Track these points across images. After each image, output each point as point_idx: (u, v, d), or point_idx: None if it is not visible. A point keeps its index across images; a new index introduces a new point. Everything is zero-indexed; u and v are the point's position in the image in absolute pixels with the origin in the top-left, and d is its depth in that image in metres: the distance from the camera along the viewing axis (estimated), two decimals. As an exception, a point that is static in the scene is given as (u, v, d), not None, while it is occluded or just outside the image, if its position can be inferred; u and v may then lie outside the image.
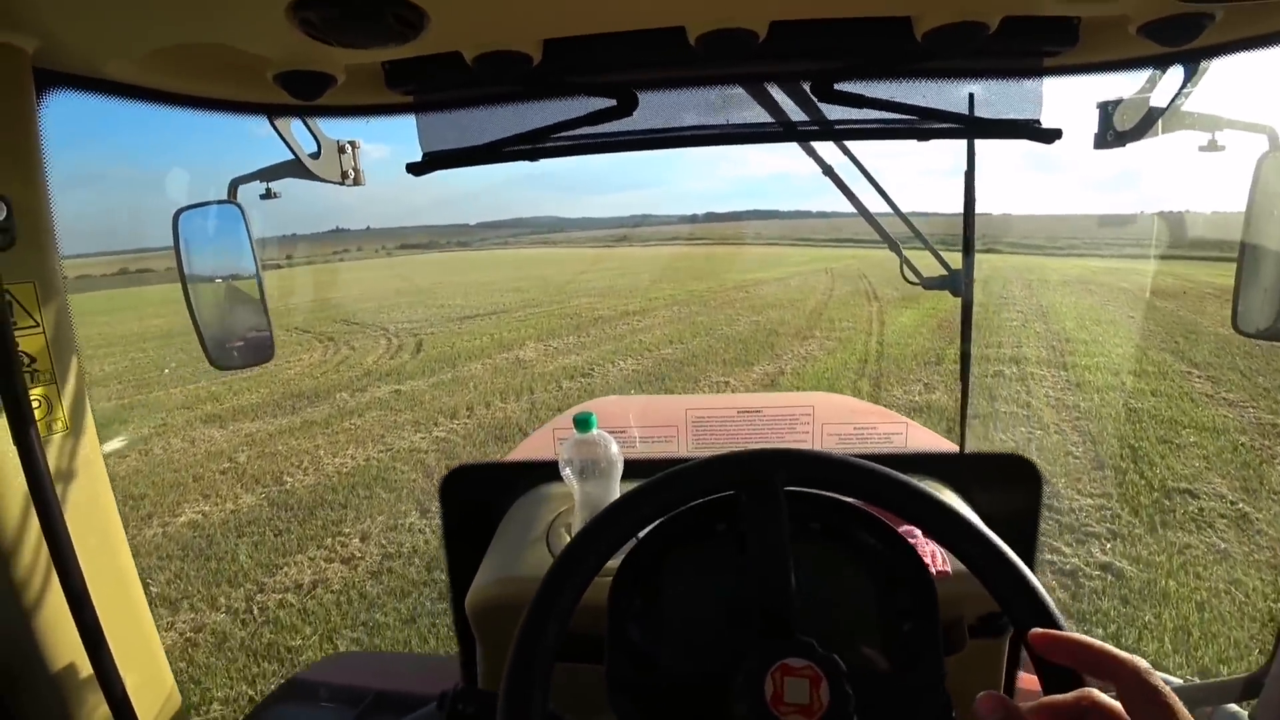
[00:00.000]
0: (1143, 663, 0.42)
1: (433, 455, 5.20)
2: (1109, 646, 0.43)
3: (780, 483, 0.61)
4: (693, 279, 19.37)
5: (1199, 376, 6.85)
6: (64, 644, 0.73)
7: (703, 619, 0.65)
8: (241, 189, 1.03)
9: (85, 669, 0.73)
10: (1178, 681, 1.17)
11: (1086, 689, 0.43)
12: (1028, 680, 1.00)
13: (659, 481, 0.62)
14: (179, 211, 0.96)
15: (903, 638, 0.62)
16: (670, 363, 8.22)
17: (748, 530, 0.60)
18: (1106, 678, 0.42)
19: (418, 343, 10.42)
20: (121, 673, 0.71)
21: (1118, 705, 0.42)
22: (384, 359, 9.30)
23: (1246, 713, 1.03)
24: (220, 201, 1.01)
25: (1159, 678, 0.41)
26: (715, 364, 8.05)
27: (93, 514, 0.78)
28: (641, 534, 0.65)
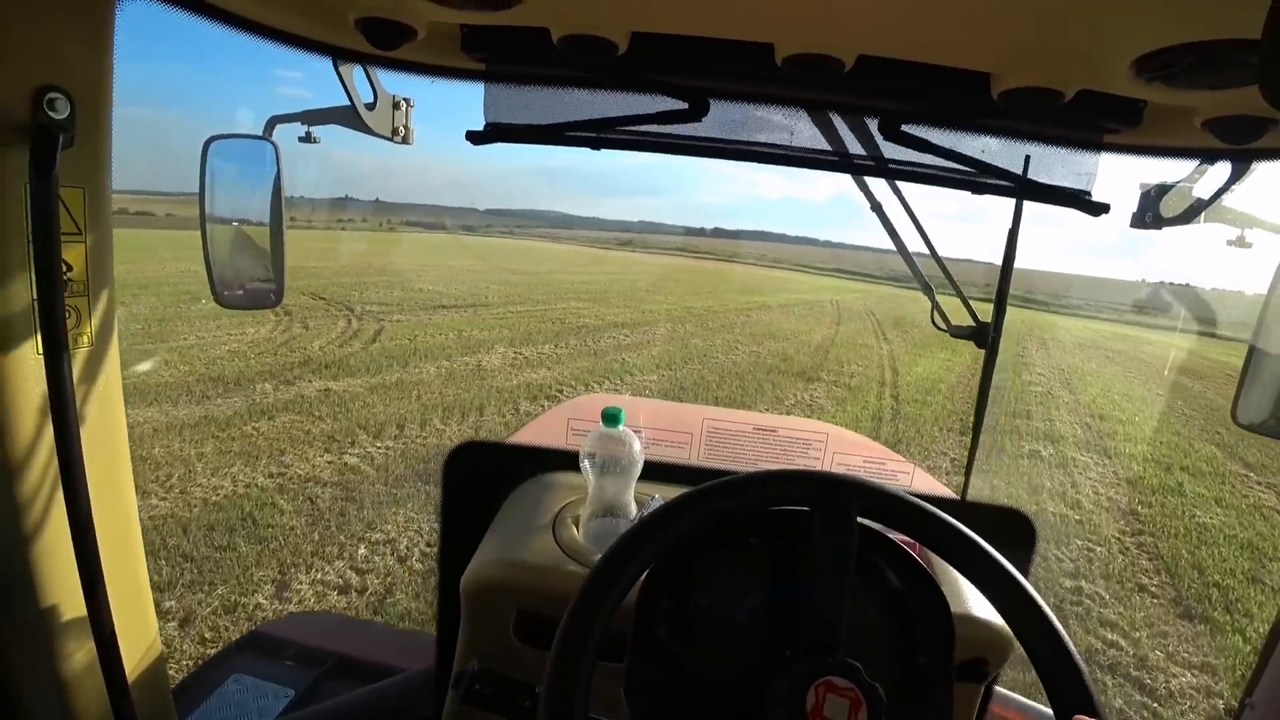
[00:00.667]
0: None
1: (330, 492, 4.00)
2: None
3: (857, 512, 0.62)
4: (692, 294, 18.24)
5: (1258, 482, 5.99)
6: (60, 572, 0.71)
7: (731, 626, 0.66)
8: (279, 129, 1.01)
9: (77, 602, 0.70)
10: None
11: None
12: None
13: (731, 483, 0.62)
14: (210, 140, 0.94)
15: (918, 670, 0.64)
16: (653, 393, 7.09)
17: (818, 550, 0.61)
18: None
19: (377, 330, 9.23)
20: (114, 610, 0.70)
21: None
22: (332, 345, 8.10)
23: None
24: (255, 136, 0.99)
25: None
26: (705, 401, 6.92)
27: (106, 436, 0.76)
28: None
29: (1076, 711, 0.50)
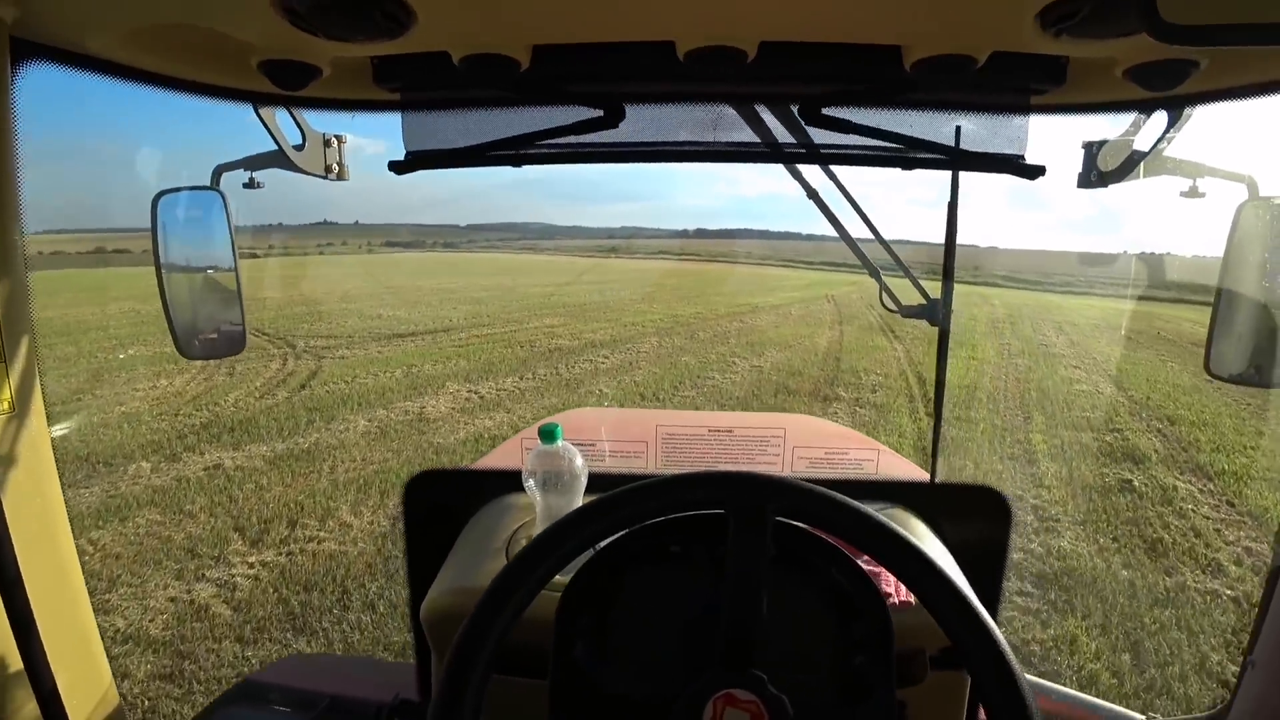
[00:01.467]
0: None
1: (150, 663, 2.59)
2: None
3: (772, 512, 0.59)
4: (680, 300, 16.86)
5: None
6: None
7: (652, 641, 0.64)
8: (225, 177, 1.00)
9: (14, 662, 0.69)
10: (1139, 718, 1.13)
11: None
12: None
13: (641, 490, 0.59)
14: (159, 195, 0.93)
15: (855, 670, 0.62)
16: (640, 434, 5.69)
17: (729, 554, 0.58)
18: None
19: (313, 372, 7.82)
20: (54, 668, 0.69)
21: None
22: (251, 398, 6.68)
23: None
24: (202, 188, 0.99)
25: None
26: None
27: (34, 500, 0.74)
28: (598, 548, 0.63)
29: (1008, 713, 0.49)
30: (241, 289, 1.04)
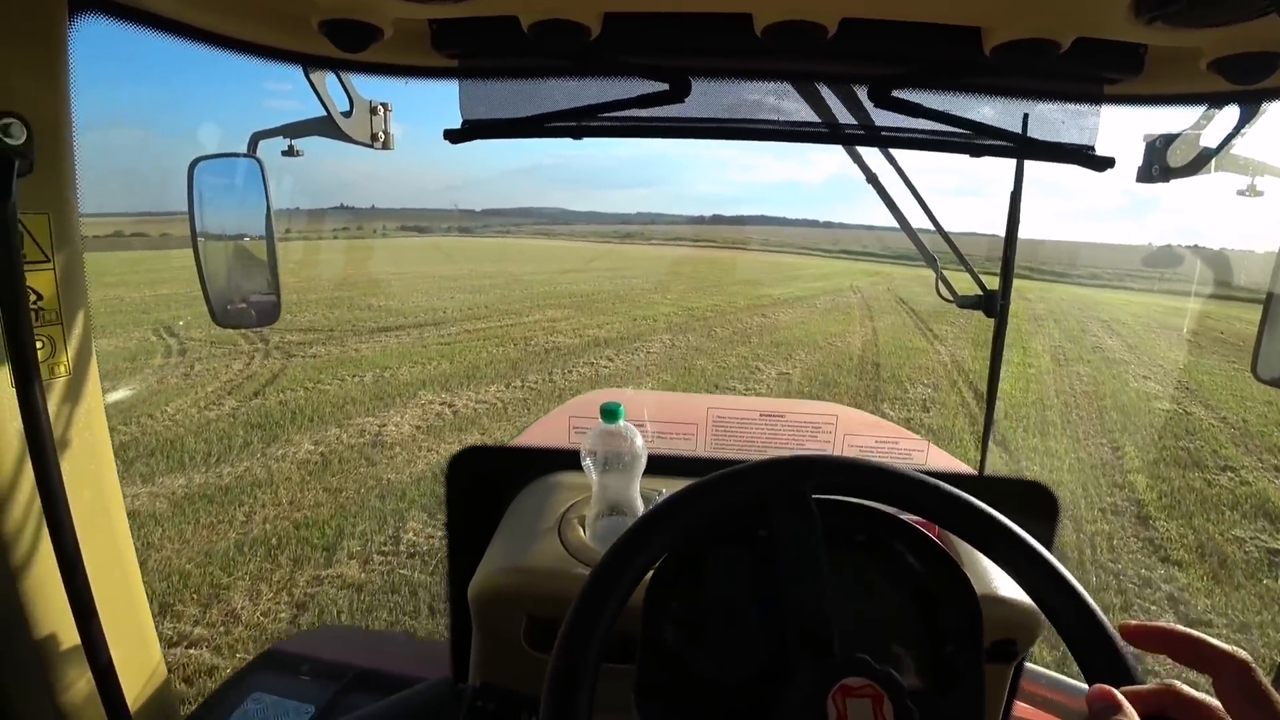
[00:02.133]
0: (1246, 655, 0.38)
1: None
2: (1207, 636, 0.39)
3: (809, 490, 0.58)
4: (696, 291, 15.70)
5: None
6: (51, 604, 0.70)
7: (743, 626, 0.61)
8: (262, 144, 0.99)
9: (71, 634, 0.69)
10: None
11: (1171, 681, 0.39)
12: (1022, 709, 1.03)
13: (688, 494, 0.59)
14: (196, 161, 0.93)
15: (946, 659, 0.60)
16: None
17: (779, 541, 0.57)
18: (1206, 669, 0.39)
19: (276, 373, 6.82)
20: (110, 641, 0.68)
21: (1209, 700, 0.38)
22: (196, 405, 5.69)
23: None
24: (239, 154, 0.97)
25: (1264, 676, 0.37)
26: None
27: (89, 465, 0.75)
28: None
29: (1109, 679, 0.43)
30: (276, 259, 1.02)
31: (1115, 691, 0.39)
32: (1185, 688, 0.39)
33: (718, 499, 0.59)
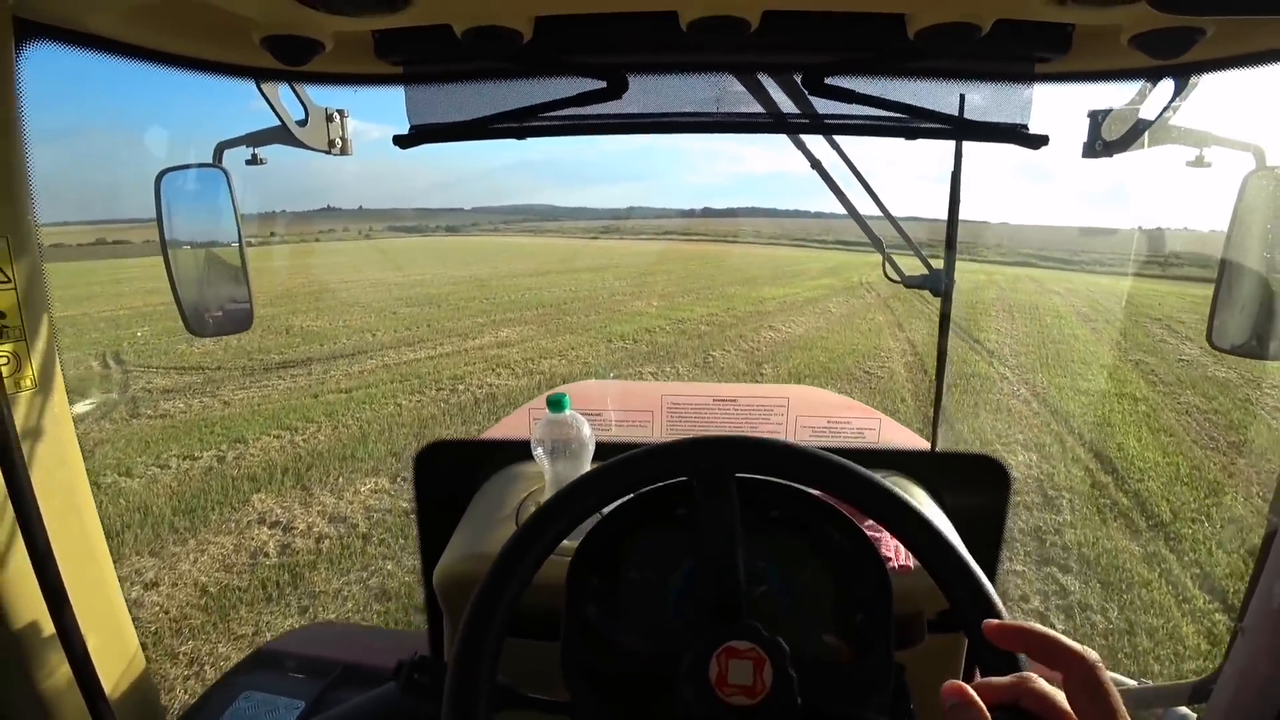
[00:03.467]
0: (1094, 655, 0.40)
1: None
2: (1062, 636, 0.42)
3: (730, 470, 0.59)
4: (686, 294, 13.42)
5: None
6: (27, 604, 0.71)
7: (661, 602, 0.64)
8: (227, 154, 0.98)
9: (48, 629, 0.71)
10: (1130, 683, 1.17)
11: (1026, 674, 0.42)
12: None
13: (615, 465, 0.60)
14: (162, 173, 0.93)
15: (855, 627, 0.62)
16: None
17: (699, 516, 0.59)
18: (1057, 666, 0.41)
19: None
20: (84, 633, 0.70)
21: (1057, 693, 0.40)
22: None
23: (1196, 716, 1.06)
24: (205, 165, 0.96)
25: (1108, 675, 0.40)
26: None
27: (59, 473, 0.75)
28: (604, 513, 0.64)
29: (980, 619, 0.47)
30: (247, 266, 1.02)
31: (967, 687, 0.41)
32: (1039, 681, 0.41)
33: (643, 473, 0.60)
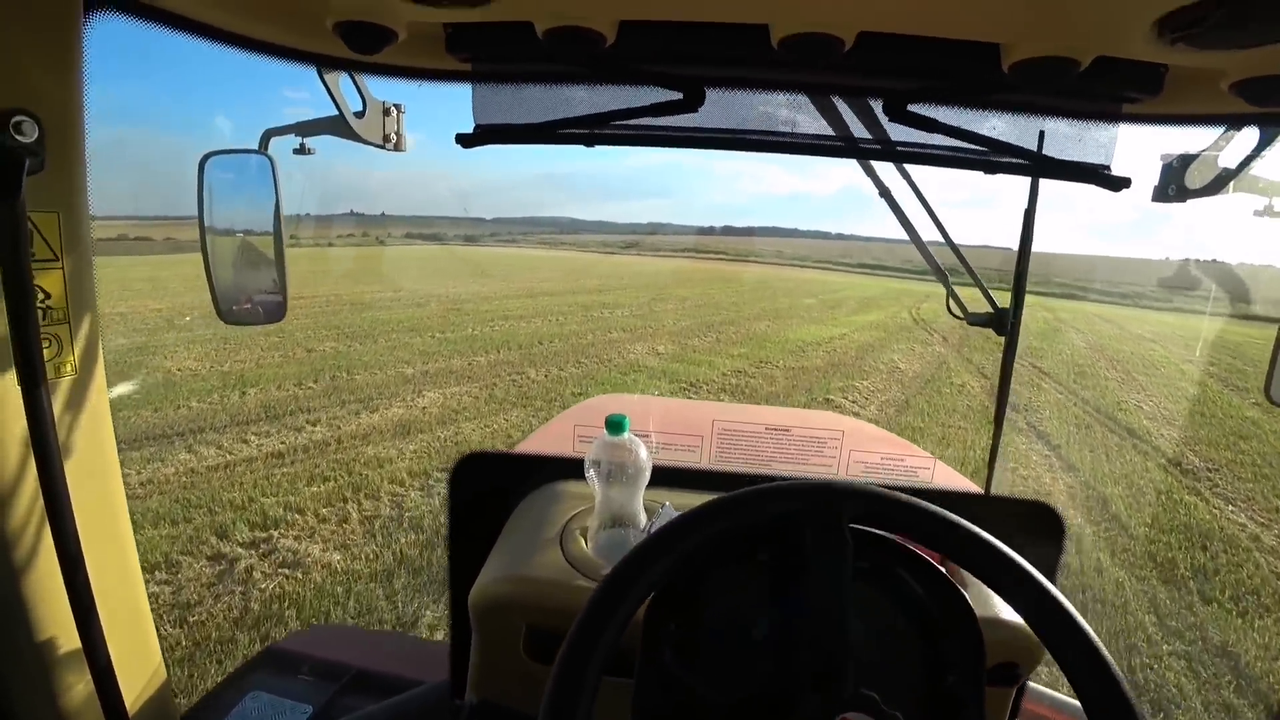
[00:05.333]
0: None
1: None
2: None
3: (848, 518, 0.56)
4: (701, 332, 10.35)
5: None
6: (51, 604, 0.69)
7: (741, 649, 0.59)
8: (274, 142, 0.96)
9: (70, 634, 0.67)
10: None
11: None
12: None
13: (717, 506, 0.56)
14: (207, 156, 0.91)
15: (948, 688, 0.58)
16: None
17: (808, 564, 0.55)
18: None
19: None
20: (108, 639, 0.67)
21: None
22: None
23: None
24: (250, 150, 0.95)
25: None
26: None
27: (94, 466, 0.72)
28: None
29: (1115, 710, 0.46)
30: (284, 258, 0.99)
31: None
32: None
33: (749, 514, 0.56)
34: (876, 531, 0.58)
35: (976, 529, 0.54)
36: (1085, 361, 9.65)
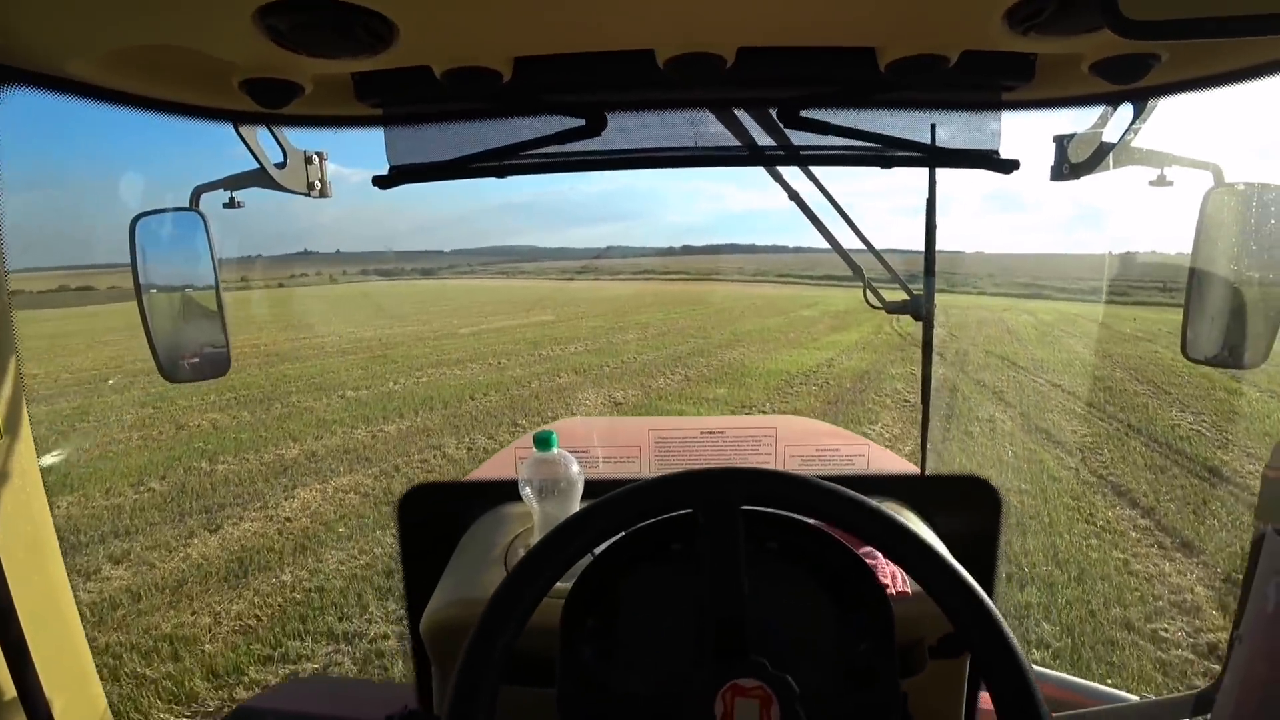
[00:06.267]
0: None
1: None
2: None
3: (737, 501, 0.57)
4: (668, 367, 8.91)
5: None
6: None
7: (658, 640, 0.62)
8: (204, 198, 0.97)
9: (8, 688, 0.67)
10: (1133, 699, 1.16)
11: None
12: (988, 700, 0.98)
13: (614, 499, 0.57)
14: (137, 217, 0.91)
15: (859, 658, 0.60)
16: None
17: (703, 549, 0.57)
18: None
19: None
20: (47, 692, 0.67)
21: None
22: None
23: None
24: (181, 209, 0.95)
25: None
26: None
27: (24, 523, 0.73)
28: (596, 552, 0.61)
29: (989, 646, 0.48)
30: (224, 310, 0.99)
31: None
32: None
33: (645, 505, 0.58)
34: (779, 512, 0.60)
35: (858, 495, 0.55)
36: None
